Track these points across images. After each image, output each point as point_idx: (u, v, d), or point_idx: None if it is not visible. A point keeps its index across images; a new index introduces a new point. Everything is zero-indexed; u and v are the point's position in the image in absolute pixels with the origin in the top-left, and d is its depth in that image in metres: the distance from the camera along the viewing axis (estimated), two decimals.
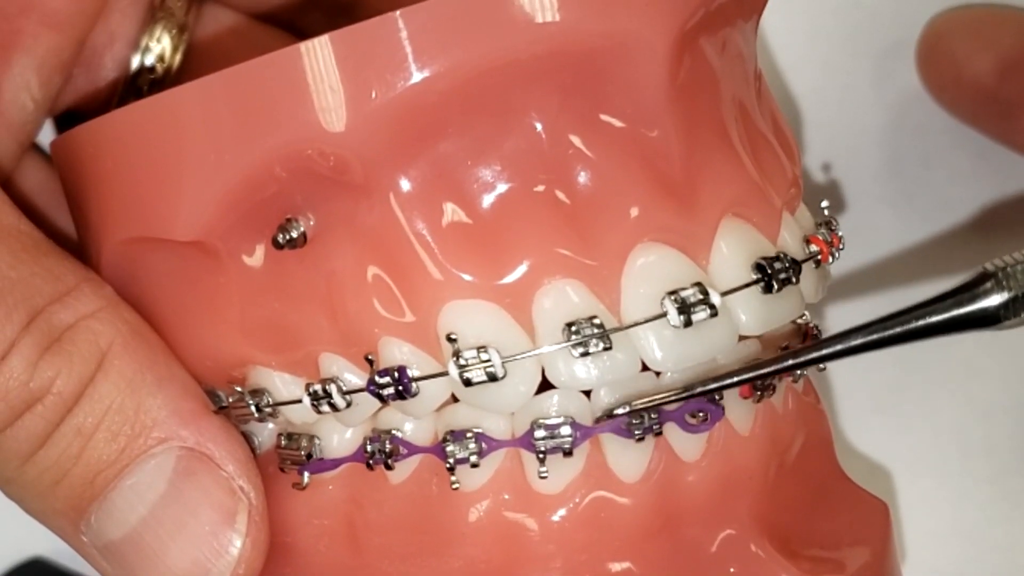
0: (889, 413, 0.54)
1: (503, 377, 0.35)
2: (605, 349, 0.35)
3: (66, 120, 0.47)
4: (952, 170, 0.54)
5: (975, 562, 0.53)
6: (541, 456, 0.36)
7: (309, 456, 0.37)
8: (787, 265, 0.37)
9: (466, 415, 0.36)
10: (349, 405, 0.36)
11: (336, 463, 0.37)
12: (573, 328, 0.35)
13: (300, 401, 0.36)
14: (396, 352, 0.35)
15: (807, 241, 0.39)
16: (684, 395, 0.36)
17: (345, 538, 0.38)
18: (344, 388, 0.36)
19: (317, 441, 0.37)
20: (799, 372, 0.39)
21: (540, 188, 0.35)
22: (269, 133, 0.34)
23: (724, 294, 0.36)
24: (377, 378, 0.35)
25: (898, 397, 0.54)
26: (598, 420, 0.36)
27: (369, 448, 0.37)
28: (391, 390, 0.35)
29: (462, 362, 0.34)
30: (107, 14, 0.45)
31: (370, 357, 0.35)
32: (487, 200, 0.35)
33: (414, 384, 0.35)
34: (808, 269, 0.38)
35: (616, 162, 0.35)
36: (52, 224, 0.45)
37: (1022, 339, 0.51)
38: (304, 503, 0.38)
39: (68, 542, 0.38)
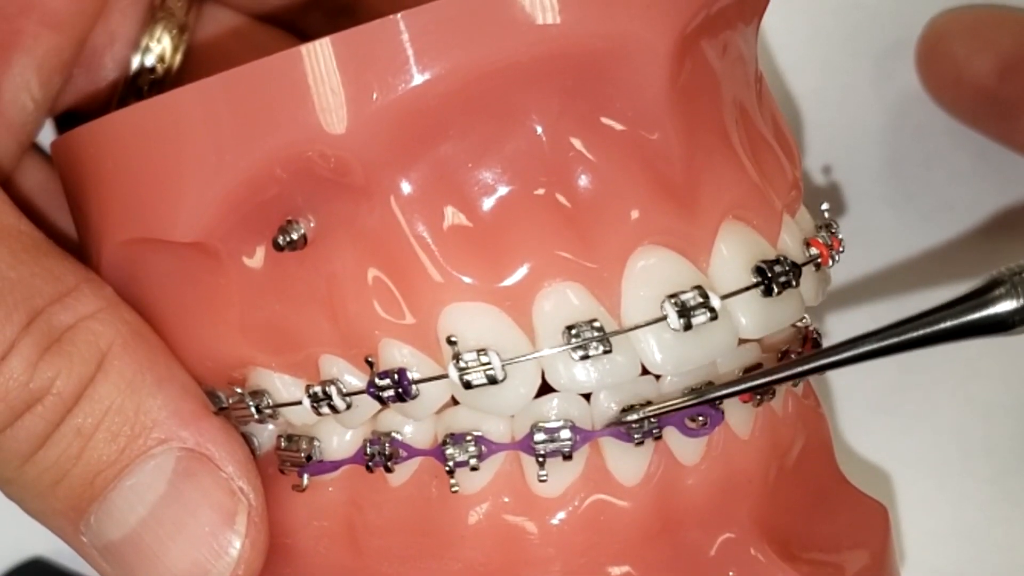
0: (889, 414, 0.54)
1: (503, 380, 0.35)
2: (605, 352, 0.35)
3: (66, 120, 0.47)
4: (952, 171, 0.54)
5: (975, 562, 0.53)
6: (541, 459, 0.36)
7: (309, 458, 0.37)
8: (787, 268, 0.37)
9: (466, 418, 0.36)
10: (349, 407, 0.36)
11: (336, 465, 0.37)
12: (573, 331, 0.35)
13: (300, 403, 0.36)
14: (396, 354, 0.35)
15: (807, 244, 0.39)
16: (697, 401, 0.36)
17: (345, 540, 0.38)
18: (344, 390, 0.36)
19: (317, 443, 0.37)
20: None
21: (541, 191, 0.35)
22: (270, 135, 0.34)
23: (724, 297, 0.36)
24: (377, 380, 0.35)
25: (898, 398, 0.54)
26: (605, 427, 0.36)
27: (369, 450, 0.37)
28: (391, 392, 0.35)
29: (462, 364, 0.34)
30: (107, 14, 0.45)
31: (370, 359, 0.35)
32: (488, 202, 0.35)
33: (414, 386, 0.35)
34: (808, 272, 0.38)
35: (617, 165, 0.35)
36: (52, 224, 0.45)
37: (1022, 339, 0.51)
38: (304, 505, 0.38)
39: (68, 542, 0.38)
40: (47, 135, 0.45)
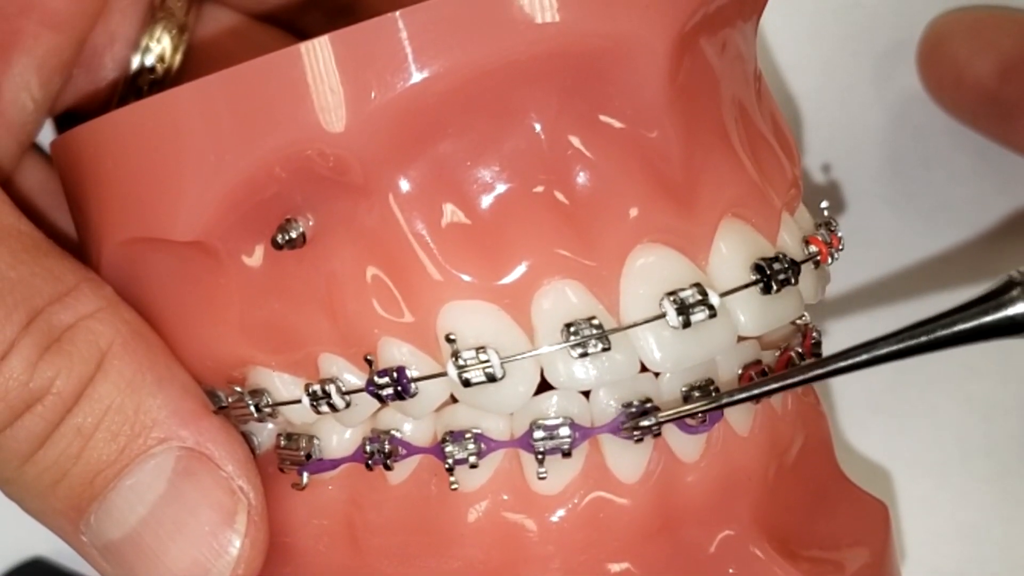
0: (889, 413, 0.54)
1: (502, 378, 0.35)
2: (604, 350, 0.35)
3: (66, 120, 0.47)
4: (952, 171, 0.54)
5: (975, 562, 0.53)
6: (540, 457, 0.36)
7: (308, 456, 0.37)
8: (786, 266, 0.37)
9: (465, 416, 0.36)
10: (348, 405, 0.36)
11: (335, 463, 0.37)
12: (572, 329, 0.35)
13: (299, 401, 0.36)
14: (395, 352, 0.35)
15: (806, 242, 0.39)
16: (710, 406, 0.35)
17: (344, 538, 0.38)
18: (343, 388, 0.36)
19: (316, 441, 0.37)
20: None
21: (539, 189, 0.35)
22: (269, 133, 0.34)
23: (723, 295, 0.36)
24: (376, 378, 0.35)
25: (898, 397, 0.54)
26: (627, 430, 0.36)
27: (368, 448, 0.37)
28: (390, 390, 0.35)
29: (461, 363, 0.34)
30: (107, 14, 0.45)
31: (369, 357, 0.35)
32: (486, 201, 0.35)
33: (413, 384, 0.35)
34: (807, 270, 0.38)
35: (615, 163, 0.35)
36: (52, 224, 0.45)
37: (1022, 340, 0.51)
38: (303, 503, 0.38)
39: (68, 542, 0.38)
40: (47, 135, 0.45)
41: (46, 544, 0.53)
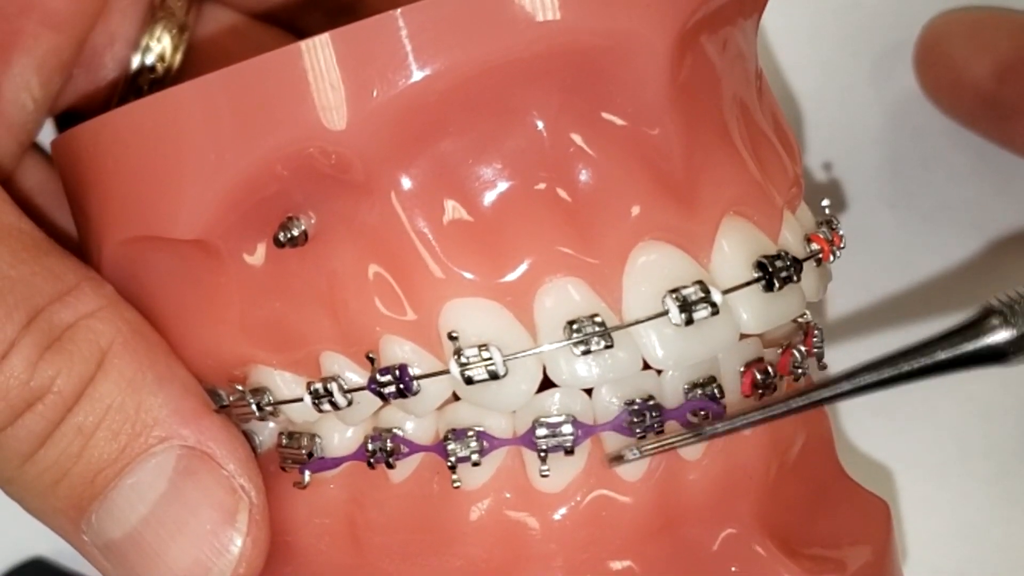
0: (889, 413, 0.54)
1: (504, 375, 0.34)
2: (606, 347, 0.35)
3: (66, 120, 0.47)
4: (952, 170, 0.54)
5: (975, 562, 0.53)
6: (542, 454, 0.36)
7: (310, 455, 0.37)
8: (788, 263, 0.37)
9: (467, 413, 0.36)
10: (350, 404, 0.36)
11: (337, 462, 0.37)
12: (574, 326, 0.35)
13: (301, 400, 0.36)
14: (397, 350, 0.35)
15: (808, 240, 0.39)
16: (696, 438, 0.36)
17: (346, 537, 0.38)
18: (345, 387, 0.36)
19: (318, 440, 0.37)
20: (800, 371, 0.39)
21: (541, 186, 0.35)
22: (270, 131, 0.34)
23: (725, 292, 0.36)
24: (378, 376, 0.35)
25: (898, 397, 0.54)
26: (611, 461, 0.36)
27: (370, 447, 0.37)
28: (392, 388, 0.35)
29: (463, 360, 0.34)
30: (107, 14, 0.45)
31: (371, 355, 0.35)
32: (488, 198, 0.35)
33: (415, 382, 0.35)
34: (809, 268, 0.38)
35: (617, 161, 0.35)
36: (52, 223, 0.45)
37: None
38: (305, 502, 0.38)
39: (69, 541, 0.38)
40: (47, 134, 0.45)
41: (46, 544, 0.53)
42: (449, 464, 0.36)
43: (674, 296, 0.35)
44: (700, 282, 0.35)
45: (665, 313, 0.35)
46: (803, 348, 0.39)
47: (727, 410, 0.37)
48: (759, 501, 0.38)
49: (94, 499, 0.37)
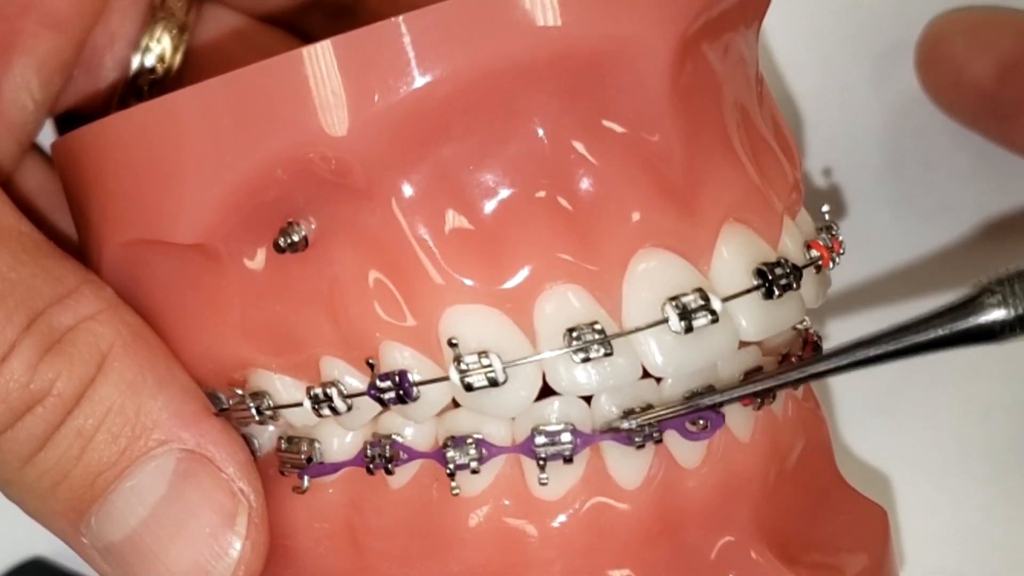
0: (888, 414, 0.54)
1: (504, 382, 0.34)
2: (606, 355, 0.35)
3: (66, 120, 0.47)
4: (952, 171, 0.54)
5: (975, 562, 0.54)
6: (541, 462, 0.36)
7: (309, 460, 0.37)
8: (788, 271, 0.37)
9: (467, 420, 0.36)
10: (350, 409, 0.36)
11: (336, 467, 0.37)
12: (574, 333, 0.35)
13: (301, 404, 0.36)
14: (397, 356, 0.35)
15: (808, 246, 0.39)
16: (690, 410, 0.36)
17: (345, 542, 0.38)
18: (345, 392, 0.36)
19: (317, 445, 0.37)
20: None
21: (542, 193, 0.35)
22: (271, 136, 0.34)
23: (725, 300, 0.36)
24: (378, 382, 0.35)
25: (897, 398, 0.54)
26: (603, 432, 0.36)
27: (369, 452, 0.37)
28: (392, 394, 0.35)
29: (463, 367, 0.34)
30: (107, 14, 0.45)
31: (371, 361, 0.35)
32: (489, 205, 0.35)
33: (415, 388, 0.35)
34: (809, 275, 0.38)
35: (618, 167, 0.35)
36: (52, 225, 0.45)
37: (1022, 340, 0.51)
38: (304, 506, 0.38)
39: (68, 543, 0.38)
40: (47, 135, 0.45)
41: (46, 544, 0.53)
42: (448, 471, 0.36)
43: (674, 304, 0.35)
44: (700, 289, 0.35)
45: (665, 321, 0.35)
46: (802, 356, 0.39)
47: (724, 420, 0.37)
48: (757, 508, 0.38)
49: (94, 501, 0.37)
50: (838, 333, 0.53)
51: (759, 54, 0.40)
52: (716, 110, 0.37)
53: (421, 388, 0.35)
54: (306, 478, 0.38)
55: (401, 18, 0.33)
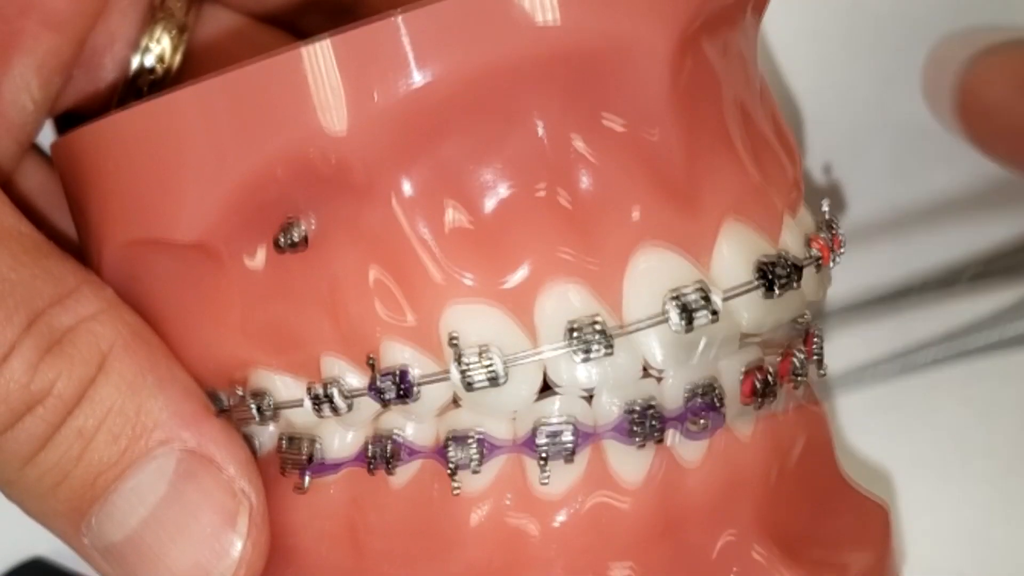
0: (889, 414, 0.54)
1: (505, 380, 0.34)
2: (607, 352, 0.35)
3: (66, 120, 0.47)
4: (952, 171, 0.54)
5: (975, 562, 0.53)
6: (543, 460, 0.36)
7: (310, 459, 0.37)
8: (788, 268, 0.37)
9: (468, 418, 0.36)
10: (350, 407, 0.36)
11: (337, 466, 0.37)
12: (575, 331, 0.35)
13: (301, 403, 0.36)
14: (398, 354, 0.35)
15: (808, 243, 0.39)
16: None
17: (346, 541, 0.38)
18: (345, 390, 0.36)
19: (318, 444, 0.37)
20: (799, 377, 0.39)
21: (542, 191, 0.35)
22: (270, 135, 0.34)
23: (726, 297, 0.36)
24: (378, 380, 0.35)
25: (898, 398, 0.54)
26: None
27: (370, 451, 0.37)
28: (392, 393, 0.35)
29: (464, 365, 0.34)
30: (107, 15, 0.45)
31: (371, 359, 0.35)
32: (489, 202, 0.35)
33: (416, 387, 0.35)
34: (809, 272, 0.38)
35: (618, 164, 0.35)
36: (52, 225, 0.44)
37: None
38: (305, 506, 0.38)
39: (69, 544, 0.38)
40: (47, 135, 0.45)
41: (46, 544, 0.53)
42: (449, 470, 0.36)
43: (675, 300, 0.35)
44: (700, 287, 0.35)
45: (665, 318, 0.35)
46: (803, 349, 0.39)
47: (725, 419, 0.37)
48: (759, 505, 0.38)
49: (94, 502, 0.37)
50: (838, 332, 0.53)
51: (759, 53, 0.40)
52: (716, 107, 0.37)
53: (422, 386, 0.35)
54: (307, 477, 0.38)
55: (400, 16, 0.33)
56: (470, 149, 0.35)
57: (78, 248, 0.40)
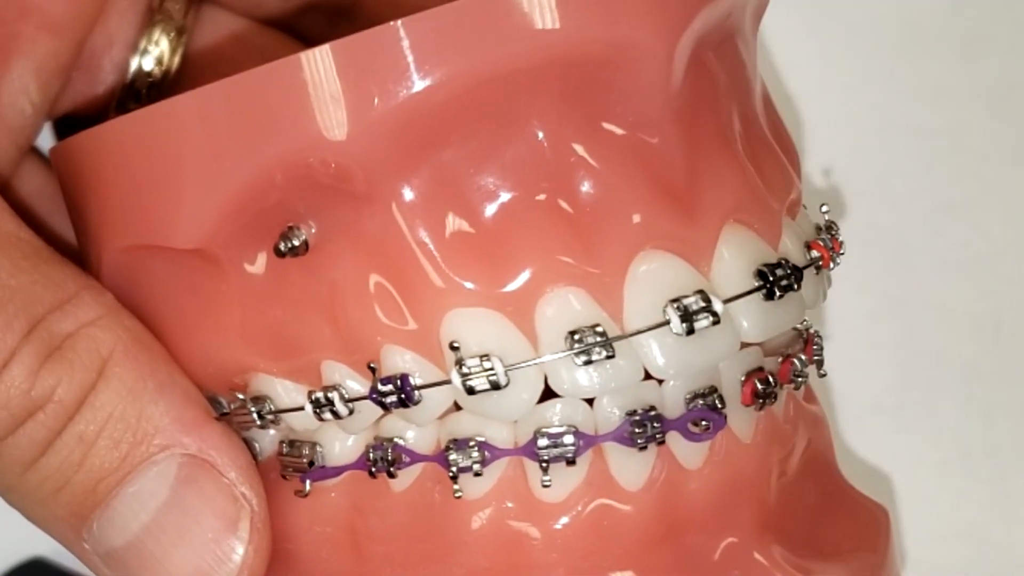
0: (889, 414, 0.54)
1: (506, 385, 0.34)
2: (608, 357, 0.35)
3: (65, 124, 0.47)
4: (952, 171, 0.54)
5: (975, 562, 0.54)
6: (544, 465, 0.35)
7: (311, 463, 0.37)
8: (788, 272, 0.37)
9: (469, 423, 0.36)
10: (351, 413, 0.36)
11: (338, 471, 0.37)
12: (576, 336, 0.35)
13: (302, 408, 0.36)
14: (398, 360, 0.35)
15: (808, 247, 0.39)
16: None
17: (347, 545, 0.38)
18: (346, 396, 0.36)
19: (319, 448, 0.37)
20: (800, 380, 0.39)
21: (542, 196, 0.35)
22: (270, 141, 0.34)
23: (726, 301, 0.36)
24: (379, 386, 0.35)
25: (898, 398, 0.54)
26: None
27: (371, 456, 0.37)
28: (393, 398, 0.35)
29: (465, 370, 0.34)
30: (105, 17, 0.45)
31: (372, 365, 0.35)
32: (489, 208, 0.35)
33: (416, 392, 0.35)
34: (809, 275, 0.38)
35: (618, 170, 0.35)
36: (52, 230, 0.44)
37: (1022, 339, 0.51)
38: (306, 510, 0.38)
39: (70, 549, 0.38)
40: (46, 139, 0.45)
41: (46, 544, 0.53)
42: (451, 474, 0.36)
43: (675, 305, 0.35)
44: (701, 291, 0.35)
45: (666, 323, 0.35)
46: (803, 356, 0.39)
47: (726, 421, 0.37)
48: (760, 509, 0.38)
49: (95, 507, 0.37)
50: (838, 333, 0.53)
51: (759, 54, 0.40)
52: (715, 112, 0.37)
53: (423, 391, 0.35)
54: (308, 482, 0.38)
55: (400, 22, 0.33)
56: (470, 154, 0.35)
57: (77, 252, 0.40)
